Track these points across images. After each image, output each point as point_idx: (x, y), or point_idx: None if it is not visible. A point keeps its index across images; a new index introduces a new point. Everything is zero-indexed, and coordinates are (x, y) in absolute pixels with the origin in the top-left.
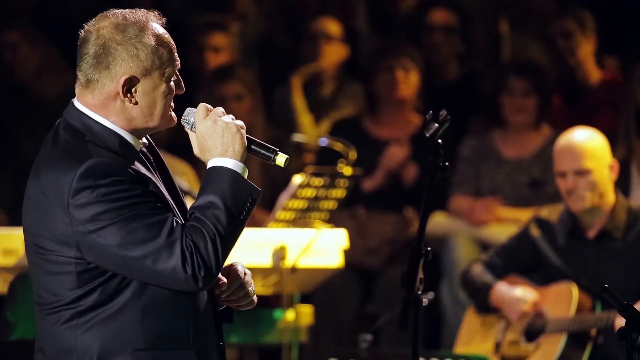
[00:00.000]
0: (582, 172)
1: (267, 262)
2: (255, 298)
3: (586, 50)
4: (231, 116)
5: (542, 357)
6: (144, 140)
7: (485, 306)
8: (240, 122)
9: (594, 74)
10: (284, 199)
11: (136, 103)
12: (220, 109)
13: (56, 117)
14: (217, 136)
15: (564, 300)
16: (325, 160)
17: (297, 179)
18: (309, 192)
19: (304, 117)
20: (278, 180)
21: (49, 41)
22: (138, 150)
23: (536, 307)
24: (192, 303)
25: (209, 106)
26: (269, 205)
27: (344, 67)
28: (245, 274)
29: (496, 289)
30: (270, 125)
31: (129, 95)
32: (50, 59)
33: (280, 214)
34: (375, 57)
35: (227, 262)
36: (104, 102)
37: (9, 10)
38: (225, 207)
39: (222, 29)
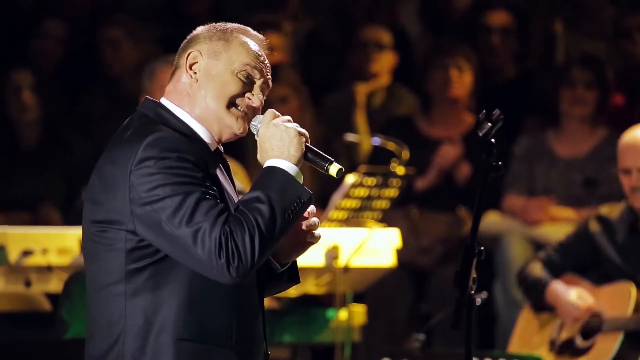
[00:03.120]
0: None
1: (320, 261)
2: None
3: None
4: (296, 124)
5: (597, 356)
6: (219, 146)
7: (541, 304)
8: (302, 130)
9: None
10: (336, 198)
11: (197, 81)
12: (287, 117)
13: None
14: (276, 139)
15: (622, 299)
16: (378, 159)
17: (350, 179)
18: (362, 192)
19: (362, 129)
20: (331, 180)
21: (156, 40)
22: (209, 145)
23: (589, 313)
24: (239, 299)
25: (276, 112)
26: (322, 204)
27: (394, 73)
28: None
29: (552, 287)
30: (320, 125)
31: (192, 72)
32: (152, 57)
33: (333, 213)
34: (429, 55)
35: None
36: (176, 85)
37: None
38: (270, 202)
39: (275, 29)
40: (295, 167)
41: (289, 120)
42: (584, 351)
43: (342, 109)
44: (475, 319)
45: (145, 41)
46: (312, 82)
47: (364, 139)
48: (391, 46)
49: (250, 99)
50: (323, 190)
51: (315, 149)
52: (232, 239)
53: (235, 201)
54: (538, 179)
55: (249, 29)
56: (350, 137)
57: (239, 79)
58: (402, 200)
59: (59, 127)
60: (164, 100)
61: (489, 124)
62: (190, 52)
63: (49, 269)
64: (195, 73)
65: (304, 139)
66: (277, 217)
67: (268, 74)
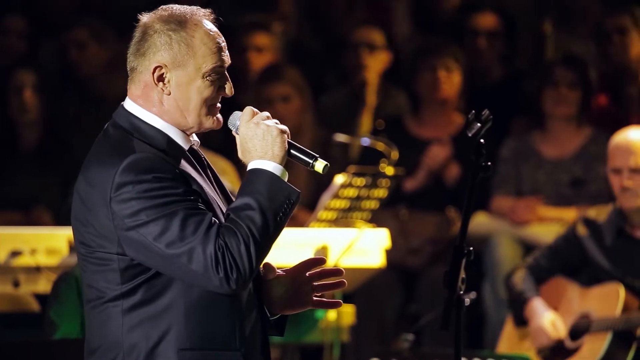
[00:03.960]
0: (638, 170)
1: None
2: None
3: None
4: (275, 121)
5: (586, 356)
6: (196, 138)
7: (521, 318)
8: (283, 127)
9: None
10: (326, 198)
11: (169, 94)
12: (266, 113)
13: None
14: (258, 139)
15: (610, 299)
16: (368, 160)
17: (339, 179)
18: (351, 192)
19: (366, 129)
20: (320, 180)
21: (121, 39)
22: (186, 148)
23: (555, 343)
24: (238, 303)
25: (255, 110)
26: (311, 205)
27: (386, 74)
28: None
29: (531, 305)
30: (318, 126)
31: (162, 84)
32: (120, 57)
33: (322, 213)
34: (417, 56)
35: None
36: (144, 91)
37: (80, 7)
38: (260, 209)
39: (265, 29)
40: (280, 167)
41: (267, 117)
42: (573, 352)
43: (337, 109)
44: (464, 319)
45: (111, 42)
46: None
47: (354, 139)
48: (383, 46)
49: (225, 93)
50: (312, 191)
51: (299, 146)
52: (228, 251)
53: (227, 195)
54: (525, 180)
55: (198, 10)
56: (340, 137)
57: (210, 81)
58: (391, 201)
59: (60, 128)
60: (133, 107)
61: (478, 125)
62: (155, 68)
63: (37, 270)
64: (165, 85)
65: (286, 136)
66: (269, 222)
67: (228, 55)
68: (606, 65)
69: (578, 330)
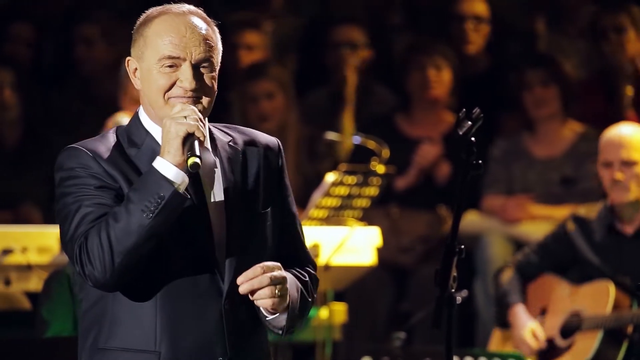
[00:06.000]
0: (629, 163)
1: None
2: (274, 301)
3: (637, 46)
4: (194, 117)
5: (577, 354)
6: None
7: (504, 321)
8: (191, 124)
9: None
10: (317, 197)
11: (141, 87)
12: (190, 109)
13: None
14: (164, 133)
15: (600, 297)
16: (358, 158)
17: (330, 177)
18: (342, 190)
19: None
20: (311, 179)
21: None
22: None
23: (535, 352)
24: (165, 307)
25: (184, 105)
26: (302, 203)
27: (370, 71)
28: (273, 271)
29: (513, 311)
30: (303, 123)
31: (136, 78)
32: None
33: (313, 212)
34: (406, 55)
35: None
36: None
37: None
38: (126, 203)
39: (255, 27)
40: (169, 164)
41: (192, 112)
42: (564, 350)
43: (321, 108)
44: (456, 318)
45: (120, 40)
46: (299, 81)
47: (344, 137)
48: (365, 45)
49: (180, 85)
50: (304, 189)
51: (196, 147)
52: (84, 247)
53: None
54: (516, 180)
55: (172, 7)
56: (331, 135)
57: (162, 72)
58: (382, 199)
59: (39, 126)
60: (141, 106)
61: (469, 123)
62: (128, 60)
63: (28, 268)
64: (138, 80)
65: (195, 138)
66: (132, 218)
67: (195, 48)
68: (601, 64)
69: (569, 329)
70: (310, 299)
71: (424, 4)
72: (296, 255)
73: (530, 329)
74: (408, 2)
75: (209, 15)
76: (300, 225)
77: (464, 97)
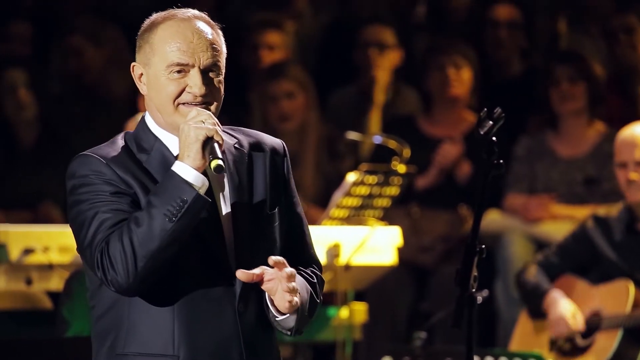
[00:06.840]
0: None
1: (321, 259)
2: (292, 301)
3: None
4: (212, 122)
5: (597, 353)
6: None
7: (538, 311)
8: (211, 129)
9: None
10: (337, 196)
11: (147, 93)
12: (206, 114)
13: (121, 116)
14: (182, 139)
15: (620, 296)
16: (379, 158)
17: (351, 177)
18: (363, 190)
19: (375, 128)
20: (332, 178)
21: (116, 36)
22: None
23: (573, 334)
24: (182, 311)
25: (199, 110)
26: (323, 203)
27: (398, 72)
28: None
29: (551, 296)
30: (325, 123)
31: (141, 83)
32: (118, 55)
33: (334, 211)
34: (426, 55)
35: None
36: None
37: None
38: (148, 208)
39: (277, 27)
40: (189, 168)
41: (209, 116)
42: (584, 350)
43: (346, 107)
44: (476, 317)
45: (107, 39)
46: (321, 82)
47: (365, 137)
48: (394, 45)
49: (190, 91)
50: (324, 189)
51: (217, 150)
52: (106, 253)
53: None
54: (539, 179)
55: (177, 12)
56: (352, 135)
57: (170, 78)
58: (403, 199)
59: (57, 124)
60: (147, 111)
61: (491, 122)
62: (133, 66)
63: (50, 267)
64: (144, 85)
65: (215, 141)
66: (154, 222)
67: (203, 53)
68: (615, 65)
69: (589, 328)
70: (318, 300)
71: (451, 7)
72: (302, 255)
73: (571, 309)
74: (434, 3)
75: (231, 16)
76: (307, 225)
77: (496, 103)
